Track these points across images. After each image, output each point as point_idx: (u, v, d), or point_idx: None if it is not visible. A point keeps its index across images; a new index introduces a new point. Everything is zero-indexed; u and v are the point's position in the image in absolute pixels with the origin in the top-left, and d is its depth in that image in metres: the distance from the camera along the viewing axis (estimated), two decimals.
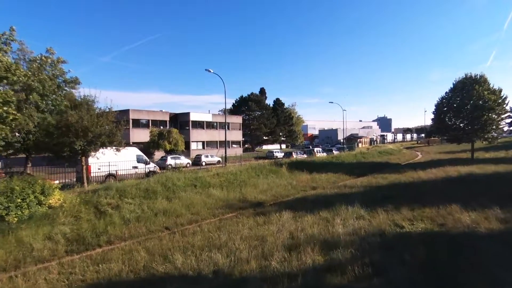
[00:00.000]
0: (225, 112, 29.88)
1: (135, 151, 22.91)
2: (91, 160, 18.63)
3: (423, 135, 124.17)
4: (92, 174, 19.84)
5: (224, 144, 30.30)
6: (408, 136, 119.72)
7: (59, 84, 30.07)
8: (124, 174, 20.98)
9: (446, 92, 27.39)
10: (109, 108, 17.94)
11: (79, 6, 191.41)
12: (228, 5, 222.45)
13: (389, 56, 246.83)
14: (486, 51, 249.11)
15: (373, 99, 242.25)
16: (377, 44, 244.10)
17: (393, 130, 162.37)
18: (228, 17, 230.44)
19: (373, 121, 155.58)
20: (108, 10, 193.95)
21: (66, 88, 30.21)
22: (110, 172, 20.47)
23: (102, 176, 20.09)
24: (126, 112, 39.65)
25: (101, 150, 17.55)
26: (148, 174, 22.34)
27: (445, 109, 27.18)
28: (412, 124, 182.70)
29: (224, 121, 53.27)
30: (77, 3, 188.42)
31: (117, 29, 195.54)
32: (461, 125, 26.11)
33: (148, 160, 23.50)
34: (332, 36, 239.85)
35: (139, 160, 22.59)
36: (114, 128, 17.10)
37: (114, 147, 18.11)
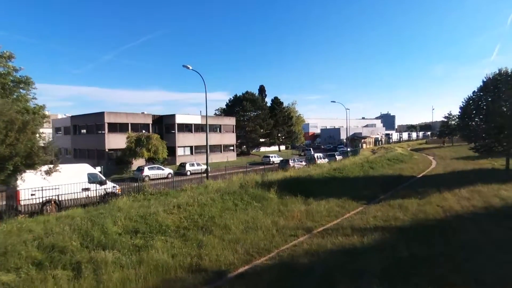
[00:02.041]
0: (206, 113, 25.26)
1: (86, 169, 18.27)
2: (22, 183, 14.13)
3: (429, 133, 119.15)
4: (22, 203, 15.33)
5: (206, 151, 25.66)
6: (414, 135, 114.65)
7: (6, 85, 25.06)
8: (71, 200, 16.52)
9: (473, 92, 22.49)
10: (34, 114, 13.53)
11: (81, 5, 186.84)
12: (230, 3, 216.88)
13: (392, 51, 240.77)
14: (490, 45, 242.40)
15: (376, 95, 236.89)
16: (379, 39, 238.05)
17: (396, 127, 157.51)
18: (230, 15, 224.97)
19: (377, 118, 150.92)
20: (110, 8, 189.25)
21: (21, 90, 25.34)
22: (49, 198, 15.97)
23: (38, 204, 15.57)
24: (100, 115, 35.15)
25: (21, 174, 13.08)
26: (104, 197, 17.83)
27: (474, 112, 22.25)
28: (416, 121, 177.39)
29: (217, 123, 48.60)
30: (79, 1, 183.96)
31: (120, 26, 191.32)
32: (493, 132, 21.16)
33: (105, 179, 18.88)
34: (334, 32, 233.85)
35: (92, 179, 18.00)
36: (36, 145, 12.56)
37: (40, 170, 13.60)
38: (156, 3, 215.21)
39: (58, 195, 16.11)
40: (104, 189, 18.08)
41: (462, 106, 23.05)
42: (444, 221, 12.66)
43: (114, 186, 18.74)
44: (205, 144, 44.17)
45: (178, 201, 13.74)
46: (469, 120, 22.68)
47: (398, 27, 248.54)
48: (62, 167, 17.81)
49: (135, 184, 19.54)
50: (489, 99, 21.13)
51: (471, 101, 22.56)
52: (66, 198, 16.26)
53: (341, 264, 8.40)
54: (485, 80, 21.78)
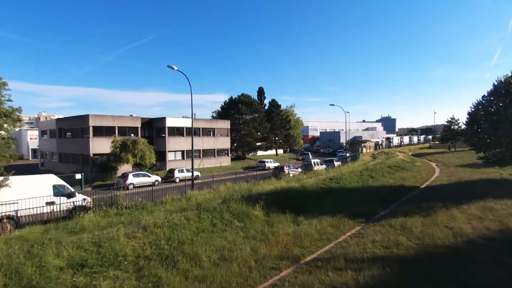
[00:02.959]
0: (192, 114, 23.35)
1: (51, 180, 16.42)
2: None
3: (430, 136, 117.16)
4: None
5: (191, 158, 23.78)
6: (415, 138, 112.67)
7: None
8: (31, 215, 14.66)
9: (483, 96, 20.53)
10: (6, 117, 12.55)
11: (82, 5, 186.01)
12: (232, 5, 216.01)
13: (393, 54, 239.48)
14: (491, 49, 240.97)
15: (377, 97, 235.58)
16: (380, 42, 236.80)
17: (397, 130, 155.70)
18: (232, 18, 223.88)
19: (377, 121, 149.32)
20: (110, 10, 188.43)
21: None
22: (5, 214, 14.11)
23: None
24: (85, 117, 33.36)
25: None
26: (72, 211, 15.94)
27: (483, 118, 20.30)
28: (416, 124, 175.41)
29: (211, 127, 46.49)
30: (80, 2, 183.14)
31: (120, 28, 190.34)
32: (506, 141, 19.15)
33: (74, 190, 17.03)
34: (335, 35, 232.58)
35: (57, 192, 16.13)
36: None
37: None
38: (158, 4, 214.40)
39: (16, 211, 14.27)
40: (73, 202, 16.21)
41: (470, 111, 21.14)
42: (455, 248, 10.76)
43: (84, 199, 16.86)
44: (197, 148, 42.51)
45: (145, 222, 11.87)
46: (478, 127, 20.77)
47: (399, 30, 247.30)
48: (24, 178, 16.02)
49: (118, 193, 17.74)
50: (501, 104, 19.22)
51: (480, 107, 20.67)
52: (25, 214, 14.41)
53: None
54: (496, 83, 19.85)
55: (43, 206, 14.84)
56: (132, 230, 11.18)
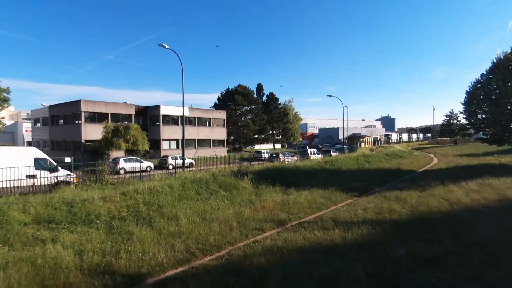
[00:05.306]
0: (183, 100, 22.66)
1: (33, 153, 15.77)
2: None
3: (429, 135, 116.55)
4: None
5: (183, 143, 23.14)
6: (414, 136, 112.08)
7: None
8: (10, 188, 14.01)
9: (482, 74, 19.86)
10: None
11: (83, 4, 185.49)
12: (232, 4, 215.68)
13: (393, 54, 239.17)
14: (490, 49, 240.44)
15: (377, 98, 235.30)
16: (380, 42, 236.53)
17: (396, 129, 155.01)
18: (232, 16, 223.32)
19: (377, 120, 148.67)
20: (111, 7, 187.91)
21: None
22: None
23: None
24: (77, 103, 32.74)
25: None
26: (55, 186, 15.25)
27: (481, 97, 19.66)
28: (416, 124, 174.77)
29: (207, 117, 46.07)
30: (81, 1, 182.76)
31: (121, 26, 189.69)
32: (505, 118, 18.52)
33: (56, 165, 16.37)
34: (335, 35, 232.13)
35: (39, 165, 15.49)
36: None
37: None
38: (158, 4, 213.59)
39: None
40: (56, 177, 15.56)
41: (468, 90, 20.50)
42: (452, 214, 10.16)
43: (68, 174, 16.21)
44: (193, 138, 41.88)
45: (127, 188, 11.28)
46: (476, 106, 20.14)
47: (399, 31, 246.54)
48: (2, 149, 15.44)
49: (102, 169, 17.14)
50: (500, 83, 18.56)
51: (479, 85, 20.02)
52: (3, 186, 13.75)
53: (310, 267, 5.92)
54: (495, 60, 19.19)
55: (23, 179, 14.20)
56: (109, 194, 10.57)
